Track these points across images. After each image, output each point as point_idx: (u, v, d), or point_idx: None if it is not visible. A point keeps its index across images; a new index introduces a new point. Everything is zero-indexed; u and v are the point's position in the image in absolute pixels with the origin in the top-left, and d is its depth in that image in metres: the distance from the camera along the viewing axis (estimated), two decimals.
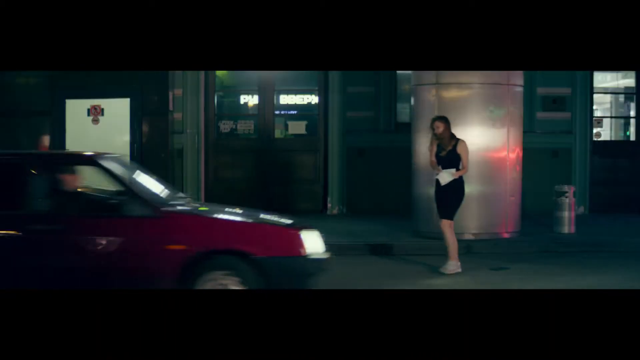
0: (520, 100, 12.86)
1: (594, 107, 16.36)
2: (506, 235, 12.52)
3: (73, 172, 8.12)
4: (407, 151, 13.12)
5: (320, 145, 15.83)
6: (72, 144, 15.02)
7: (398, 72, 15.45)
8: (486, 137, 12.22)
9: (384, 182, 15.32)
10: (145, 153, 14.93)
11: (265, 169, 15.81)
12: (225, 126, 16.12)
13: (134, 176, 8.21)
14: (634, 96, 16.69)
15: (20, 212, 7.60)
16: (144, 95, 15.23)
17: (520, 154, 12.80)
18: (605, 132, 17.20)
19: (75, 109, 15.25)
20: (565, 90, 15.72)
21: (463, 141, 10.29)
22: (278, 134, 16.07)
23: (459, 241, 10.41)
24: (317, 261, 7.70)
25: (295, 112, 16.19)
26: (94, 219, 7.62)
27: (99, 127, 15.20)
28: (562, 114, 15.75)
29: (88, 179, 8.29)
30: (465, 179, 10.40)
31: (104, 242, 7.49)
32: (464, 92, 12.37)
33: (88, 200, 8.09)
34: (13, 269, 7.41)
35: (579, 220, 13.42)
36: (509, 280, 9.73)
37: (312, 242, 7.68)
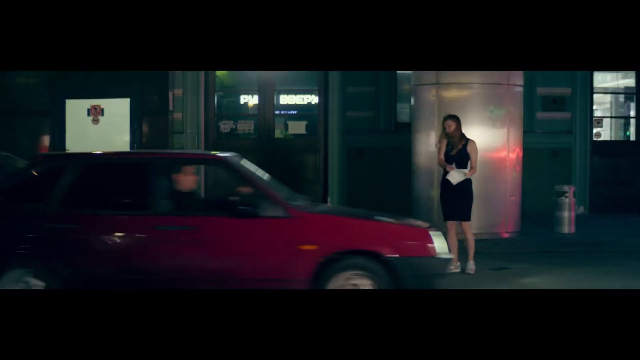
0: (520, 100, 12.87)
1: (594, 107, 16.36)
2: (506, 235, 12.53)
3: (198, 172, 8.07)
4: (407, 151, 13.12)
5: (320, 145, 15.82)
6: (72, 144, 15.04)
7: (398, 72, 15.45)
8: (486, 137, 12.22)
9: (384, 182, 15.31)
10: None
11: (265, 169, 15.74)
12: (225, 126, 16.11)
13: (260, 176, 8.17)
14: (634, 96, 16.69)
15: (150, 212, 7.54)
16: (144, 95, 15.25)
17: (520, 154, 12.80)
18: (605, 132, 17.20)
19: (75, 109, 15.27)
20: (565, 90, 15.71)
21: (473, 141, 10.26)
22: (278, 134, 16.07)
23: (459, 241, 10.41)
24: (445, 261, 7.67)
25: (295, 112, 16.19)
26: (227, 219, 7.48)
27: (99, 127, 15.22)
28: (562, 114, 15.75)
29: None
30: None
31: (237, 243, 7.43)
32: (464, 92, 12.38)
33: (217, 201, 8.05)
34: (144, 270, 7.37)
35: (579, 220, 13.42)
36: (509, 281, 9.73)
37: (439, 242, 7.62)
